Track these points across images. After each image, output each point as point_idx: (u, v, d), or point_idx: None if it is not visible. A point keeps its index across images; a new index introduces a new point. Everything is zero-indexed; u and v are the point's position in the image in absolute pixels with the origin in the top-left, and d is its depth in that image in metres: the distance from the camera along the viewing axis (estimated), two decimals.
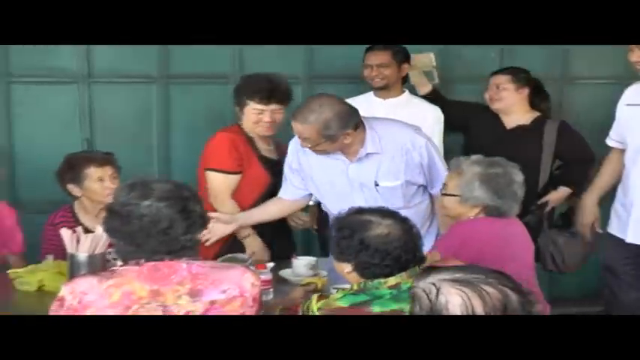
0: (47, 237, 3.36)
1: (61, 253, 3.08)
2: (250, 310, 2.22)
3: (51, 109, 4.32)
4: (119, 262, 2.40)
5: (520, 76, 4.04)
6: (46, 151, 4.02)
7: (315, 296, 2.35)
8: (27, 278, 2.98)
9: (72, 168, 3.36)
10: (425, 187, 3.33)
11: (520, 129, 3.93)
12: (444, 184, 2.93)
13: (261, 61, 4.44)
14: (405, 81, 4.08)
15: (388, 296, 2.21)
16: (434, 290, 1.67)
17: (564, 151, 3.91)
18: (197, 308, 2.13)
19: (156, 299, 2.10)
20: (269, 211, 3.45)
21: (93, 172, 3.33)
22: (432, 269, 1.78)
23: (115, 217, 2.16)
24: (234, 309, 2.17)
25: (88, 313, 2.08)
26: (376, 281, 2.26)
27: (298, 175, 3.38)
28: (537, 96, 4.09)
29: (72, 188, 3.36)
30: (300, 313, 2.37)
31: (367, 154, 3.20)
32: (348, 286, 2.64)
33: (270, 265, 2.99)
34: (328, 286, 2.91)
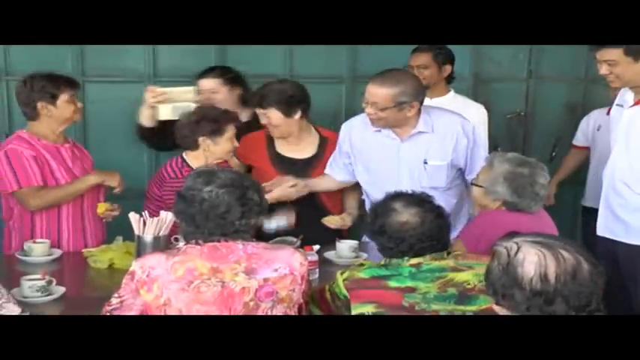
0: (166, 191, 3.28)
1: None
2: (299, 287, 2.24)
3: (120, 105, 4.35)
4: (181, 243, 2.44)
5: (440, 53, 3.93)
6: (116, 144, 4.10)
7: (340, 271, 2.35)
8: (99, 257, 3.01)
9: (215, 122, 3.27)
10: (462, 172, 3.34)
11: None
12: (477, 175, 2.92)
13: (308, 61, 4.47)
14: (449, 81, 4.02)
15: (407, 274, 2.22)
16: (515, 247, 1.71)
17: None
18: (252, 285, 2.15)
19: (215, 276, 2.13)
20: (321, 183, 3.45)
21: (231, 130, 3.30)
22: (516, 234, 1.82)
23: (181, 200, 2.21)
24: (285, 286, 2.19)
25: (155, 286, 2.12)
26: (401, 260, 2.27)
27: (347, 157, 3.39)
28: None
29: (204, 141, 3.26)
30: (328, 291, 2.36)
31: (419, 132, 3.21)
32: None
33: (317, 247, 3.01)
34: None
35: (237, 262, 2.16)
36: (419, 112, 3.18)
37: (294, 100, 3.39)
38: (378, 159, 3.31)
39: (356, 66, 4.57)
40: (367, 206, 3.49)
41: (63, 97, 3.20)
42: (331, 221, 3.36)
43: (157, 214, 2.92)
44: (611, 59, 2.90)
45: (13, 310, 2.21)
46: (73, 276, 3.01)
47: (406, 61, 3.96)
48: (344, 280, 2.27)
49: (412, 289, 2.19)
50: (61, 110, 3.21)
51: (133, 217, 2.86)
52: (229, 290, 2.13)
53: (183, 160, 3.33)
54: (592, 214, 3.32)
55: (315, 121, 3.66)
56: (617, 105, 3.18)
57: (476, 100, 4.13)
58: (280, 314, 2.20)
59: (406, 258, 2.25)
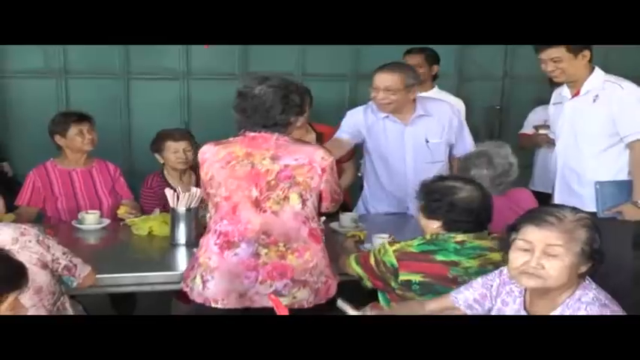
0: (143, 195, 3.39)
1: (154, 205, 3.22)
2: (319, 176, 2.30)
3: (159, 99, 4.39)
4: (208, 216, 2.45)
5: (430, 55, 3.86)
6: (154, 131, 4.09)
7: (386, 242, 2.31)
8: (140, 225, 3.02)
9: (156, 141, 3.38)
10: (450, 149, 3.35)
11: None
12: None
13: (317, 61, 4.49)
14: (435, 78, 3.96)
15: (452, 249, 2.18)
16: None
17: None
18: (274, 168, 2.26)
19: (247, 158, 2.27)
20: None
21: (170, 147, 3.33)
22: None
23: (239, 95, 2.31)
24: (302, 173, 2.27)
25: (205, 165, 2.32)
26: (446, 235, 2.21)
27: (358, 131, 3.27)
28: None
29: (157, 157, 3.38)
30: (373, 257, 2.32)
31: (419, 116, 3.21)
32: (386, 235, 2.69)
33: (323, 218, 2.99)
34: (368, 236, 2.88)
35: (267, 149, 2.27)
36: (415, 100, 3.21)
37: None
38: (386, 141, 3.27)
39: (358, 66, 4.57)
40: (369, 181, 3.46)
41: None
42: None
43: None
44: (556, 57, 2.91)
45: (84, 267, 2.33)
46: (119, 241, 3.02)
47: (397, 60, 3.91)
48: (394, 251, 2.24)
49: (456, 263, 2.16)
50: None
51: (168, 192, 2.85)
52: (256, 170, 2.26)
53: (162, 174, 3.41)
54: (539, 197, 3.27)
55: (321, 115, 3.64)
56: (555, 104, 3.19)
57: (459, 95, 4.11)
58: (295, 195, 2.28)
59: (453, 235, 2.20)
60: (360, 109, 3.36)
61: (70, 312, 2.34)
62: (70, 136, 3.23)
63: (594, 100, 2.95)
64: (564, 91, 3.09)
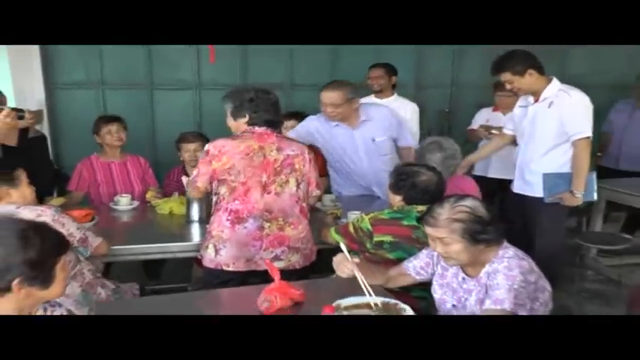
0: (169, 185, 3.49)
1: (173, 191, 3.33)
2: (308, 165, 2.46)
3: (177, 105, 4.46)
4: (214, 198, 2.53)
5: (390, 70, 3.85)
6: (174, 131, 4.16)
7: (362, 214, 2.40)
8: (162, 206, 3.09)
9: (177, 142, 3.51)
10: (395, 142, 3.42)
11: None
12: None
13: (301, 73, 4.51)
14: (394, 87, 3.93)
15: (414, 217, 2.26)
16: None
17: None
18: (280, 157, 2.40)
19: (261, 150, 2.38)
20: None
21: (184, 147, 3.46)
22: None
23: (256, 99, 2.40)
24: (298, 161, 2.43)
25: (224, 157, 2.36)
26: (409, 207, 2.32)
27: (311, 135, 3.33)
28: None
29: (179, 154, 3.50)
30: (352, 226, 2.40)
31: (363, 121, 3.26)
32: (358, 212, 2.74)
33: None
34: (344, 213, 2.95)
35: (272, 142, 2.41)
36: (357, 108, 3.26)
37: None
38: (340, 144, 3.35)
39: (335, 76, 4.49)
40: (337, 180, 3.53)
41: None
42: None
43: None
44: (507, 79, 3.00)
45: (95, 239, 2.36)
46: (146, 219, 3.07)
47: (365, 73, 3.97)
48: (369, 218, 2.33)
49: (417, 227, 2.24)
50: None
51: (184, 179, 2.83)
52: (267, 160, 2.38)
53: (184, 168, 3.48)
54: (479, 180, 3.36)
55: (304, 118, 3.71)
56: (520, 106, 3.21)
57: (416, 100, 4.12)
58: (293, 179, 2.41)
59: (415, 206, 2.30)
60: (316, 116, 3.37)
61: (88, 276, 2.32)
62: (102, 134, 3.37)
63: (549, 106, 3.00)
64: (529, 97, 3.14)
